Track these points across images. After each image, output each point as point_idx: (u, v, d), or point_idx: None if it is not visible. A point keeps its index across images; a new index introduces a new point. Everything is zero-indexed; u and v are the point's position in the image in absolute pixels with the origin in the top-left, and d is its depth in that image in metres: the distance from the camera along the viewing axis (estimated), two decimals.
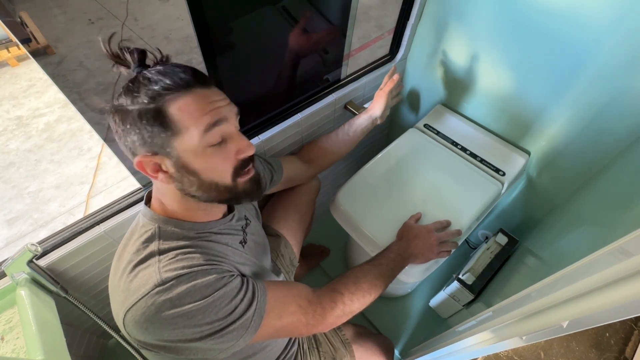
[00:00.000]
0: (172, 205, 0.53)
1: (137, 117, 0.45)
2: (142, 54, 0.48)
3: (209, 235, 0.56)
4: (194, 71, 0.48)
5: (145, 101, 0.45)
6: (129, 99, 0.45)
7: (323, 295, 0.60)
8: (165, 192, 0.53)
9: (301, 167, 0.89)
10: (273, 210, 0.94)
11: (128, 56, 0.48)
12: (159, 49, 0.51)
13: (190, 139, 0.46)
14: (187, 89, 0.46)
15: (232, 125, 0.50)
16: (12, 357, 0.60)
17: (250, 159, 0.53)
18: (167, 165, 0.48)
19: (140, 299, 0.45)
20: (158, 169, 0.48)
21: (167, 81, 0.45)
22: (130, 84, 0.46)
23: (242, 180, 0.53)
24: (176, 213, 0.54)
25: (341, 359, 0.82)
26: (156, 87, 0.45)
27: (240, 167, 0.52)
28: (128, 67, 0.48)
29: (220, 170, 0.50)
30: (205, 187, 0.50)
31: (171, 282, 0.46)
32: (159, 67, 0.48)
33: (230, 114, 0.50)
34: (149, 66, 0.49)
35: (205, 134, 0.46)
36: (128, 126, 0.46)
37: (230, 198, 0.53)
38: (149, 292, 0.45)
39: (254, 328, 0.50)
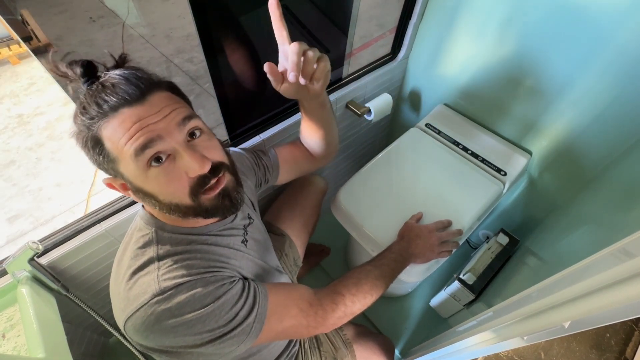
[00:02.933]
0: (159, 214, 0.52)
1: (82, 146, 0.44)
2: (86, 66, 0.44)
3: (208, 238, 0.55)
4: (125, 86, 0.43)
5: (84, 130, 0.43)
6: (75, 125, 0.44)
7: (324, 297, 0.60)
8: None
9: (304, 157, 0.79)
10: (279, 210, 0.94)
11: (70, 72, 0.44)
12: (111, 54, 0.47)
13: (129, 165, 0.43)
14: (113, 112, 0.41)
15: (172, 141, 0.44)
16: (14, 355, 0.60)
17: (214, 171, 0.47)
18: (129, 186, 0.47)
19: (139, 309, 0.45)
20: (126, 187, 0.48)
21: (94, 106, 0.42)
22: (74, 111, 0.44)
23: (206, 197, 0.47)
24: (168, 221, 0.52)
25: (342, 358, 0.82)
26: (85, 117, 0.42)
27: (199, 185, 0.46)
28: (76, 81, 0.45)
29: (172, 191, 0.45)
30: (166, 208, 0.46)
31: (170, 292, 0.45)
32: (94, 86, 0.43)
33: (169, 127, 0.44)
34: (99, 77, 0.45)
35: (137, 159, 0.42)
36: (84, 152, 0.45)
37: (198, 215, 0.48)
38: (148, 301, 0.45)
39: (255, 333, 0.50)
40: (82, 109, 0.43)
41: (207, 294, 0.47)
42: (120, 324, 0.48)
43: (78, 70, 0.43)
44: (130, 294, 0.47)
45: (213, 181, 0.47)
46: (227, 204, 0.50)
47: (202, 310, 0.46)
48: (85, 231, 0.71)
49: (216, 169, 0.47)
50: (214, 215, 0.50)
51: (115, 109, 0.42)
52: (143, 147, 0.42)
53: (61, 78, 0.44)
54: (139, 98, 0.43)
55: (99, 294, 0.83)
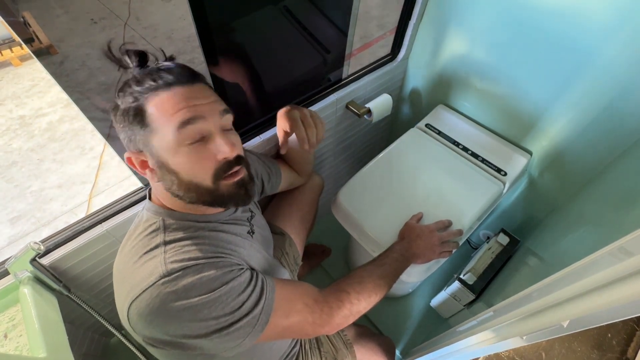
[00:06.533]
0: (168, 202, 0.54)
1: (122, 115, 0.48)
2: (141, 55, 0.49)
3: (215, 226, 0.55)
4: (180, 70, 0.49)
5: (130, 100, 0.47)
6: (119, 98, 0.48)
7: (329, 295, 0.60)
8: (158, 190, 0.54)
9: (294, 172, 0.89)
10: (276, 208, 0.94)
11: (127, 58, 0.49)
12: (162, 50, 0.52)
13: (166, 137, 0.46)
14: (166, 88, 0.46)
15: (211, 124, 0.49)
16: (15, 355, 0.60)
17: (237, 161, 0.51)
18: (152, 164, 0.49)
19: (145, 290, 0.45)
20: (145, 165, 0.50)
21: (149, 80, 0.47)
22: (123, 84, 0.49)
23: (226, 182, 0.51)
24: (177, 208, 0.54)
25: (342, 359, 0.82)
26: (138, 87, 0.47)
27: (223, 169, 0.50)
28: (129, 68, 0.50)
29: (197, 170, 0.48)
30: (184, 187, 0.49)
31: (177, 274, 0.45)
32: (148, 68, 0.49)
33: (212, 112, 0.49)
34: (148, 67, 0.50)
35: (178, 131, 0.46)
36: (119, 124, 0.49)
37: (212, 201, 0.51)
38: (154, 283, 0.45)
39: (260, 326, 0.49)
40: (135, 82, 0.47)
41: (215, 278, 0.47)
42: (124, 311, 0.47)
43: (133, 58, 0.48)
44: (136, 277, 0.46)
45: (235, 169, 0.51)
46: (242, 194, 0.53)
47: (209, 294, 0.45)
48: (87, 232, 0.72)
49: (238, 160, 0.52)
50: (228, 204, 0.53)
51: (168, 85, 0.47)
52: (187, 122, 0.46)
53: (115, 63, 0.49)
54: (190, 81, 0.49)
55: (100, 294, 0.84)
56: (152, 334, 0.46)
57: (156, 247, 0.49)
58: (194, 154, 0.48)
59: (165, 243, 0.49)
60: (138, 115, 0.46)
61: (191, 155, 0.47)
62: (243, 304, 0.48)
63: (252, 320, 0.48)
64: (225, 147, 0.49)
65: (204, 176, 0.49)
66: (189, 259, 0.47)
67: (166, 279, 0.45)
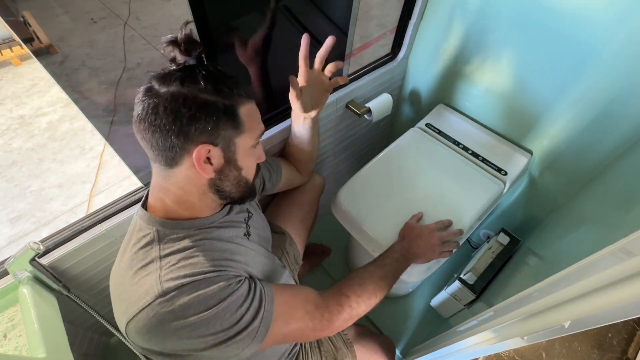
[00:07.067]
0: (178, 201, 0.52)
1: (221, 108, 0.47)
2: (201, 54, 0.49)
3: (211, 230, 0.55)
4: None
5: (230, 97, 0.48)
6: (209, 87, 0.46)
7: (329, 299, 0.60)
8: (179, 187, 0.51)
9: (295, 170, 0.89)
10: (277, 208, 0.95)
11: (197, 47, 0.47)
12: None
13: (248, 140, 0.52)
14: (249, 99, 0.52)
15: None
16: (15, 355, 0.60)
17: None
18: (219, 158, 0.50)
19: (141, 310, 0.45)
20: (207, 160, 0.49)
21: (236, 90, 0.50)
22: (206, 74, 0.47)
23: (253, 181, 0.60)
24: (177, 211, 0.53)
25: (342, 358, 0.82)
26: (241, 90, 0.50)
27: (257, 170, 0.59)
28: (188, 55, 0.47)
29: (252, 169, 0.57)
30: (240, 182, 0.55)
31: (173, 293, 0.45)
32: (226, 72, 0.50)
33: None
34: (204, 62, 0.49)
35: (258, 137, 0.55)
36: (198, 113, 0.45)
37: (243, 197, 0.58)
38: (150, 303, 0.45)
39: (260, 338, 0.50)
40: (231, 81, 0.49)
41: (212, 296, 0.46)
42: (122, 326, 0.47)
43: (201, 49, 0.48)
44: (133, 295, 0.46)
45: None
46: (255, 190, 0.62)
47: (206, 312, 0.45)
48: (87, 231, 0.71)
49: None
50: (249, 199, 0.60)
51: (249, 98, 0.52)
52: (262, 133, 0.56)
53: (180, 42, 0.46)
54: None
55: (100, 294, 0.84)
56: (150, 348, 0.47)
57: (151, 262, 0.48)
58: (253, 157, 0.56)
59: (161, 257, 0.48)
60: (233, 115, 0.49)
61: (252, 157, 0.56)
62: (241, 317, 0.48)
63: (251, 332, 0.49)
64: (264, 155, 0.59)
65: (252, 174, 0.58)
66: (185, 276, 0.47)
67: (162, 299, 0.45)
